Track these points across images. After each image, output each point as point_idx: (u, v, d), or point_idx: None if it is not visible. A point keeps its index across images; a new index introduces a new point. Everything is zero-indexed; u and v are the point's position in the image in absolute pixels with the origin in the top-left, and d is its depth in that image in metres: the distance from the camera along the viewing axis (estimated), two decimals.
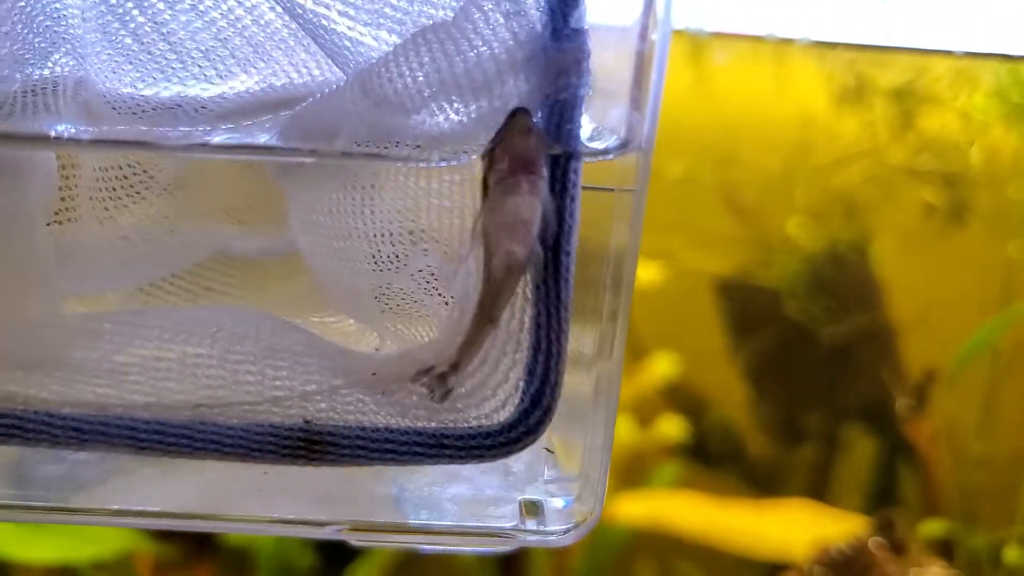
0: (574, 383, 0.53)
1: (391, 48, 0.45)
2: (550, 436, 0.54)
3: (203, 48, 0.51)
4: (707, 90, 1.40)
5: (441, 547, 0.49)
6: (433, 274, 0.48)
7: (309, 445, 0.44)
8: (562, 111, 0.44)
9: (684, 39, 1.38)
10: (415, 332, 0.49)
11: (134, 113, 0.50)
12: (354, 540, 0.49)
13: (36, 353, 0.46)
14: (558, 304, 0.44)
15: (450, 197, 0.47)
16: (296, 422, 0.45)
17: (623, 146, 0.45)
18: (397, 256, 0.49)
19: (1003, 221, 1.45)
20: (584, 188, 0.47)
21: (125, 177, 0.51)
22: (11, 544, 1.26)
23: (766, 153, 1.47)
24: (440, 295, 0.48)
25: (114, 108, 0.51)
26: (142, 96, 0.51)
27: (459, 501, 0.50)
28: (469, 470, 0.51)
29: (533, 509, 0.50)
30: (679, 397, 1.51)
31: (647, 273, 1.42)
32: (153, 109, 0.50)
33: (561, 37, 0.43)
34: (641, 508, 1.39)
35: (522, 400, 0.45)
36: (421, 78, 0.44)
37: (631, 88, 0.44)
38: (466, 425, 0.45)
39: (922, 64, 1.45)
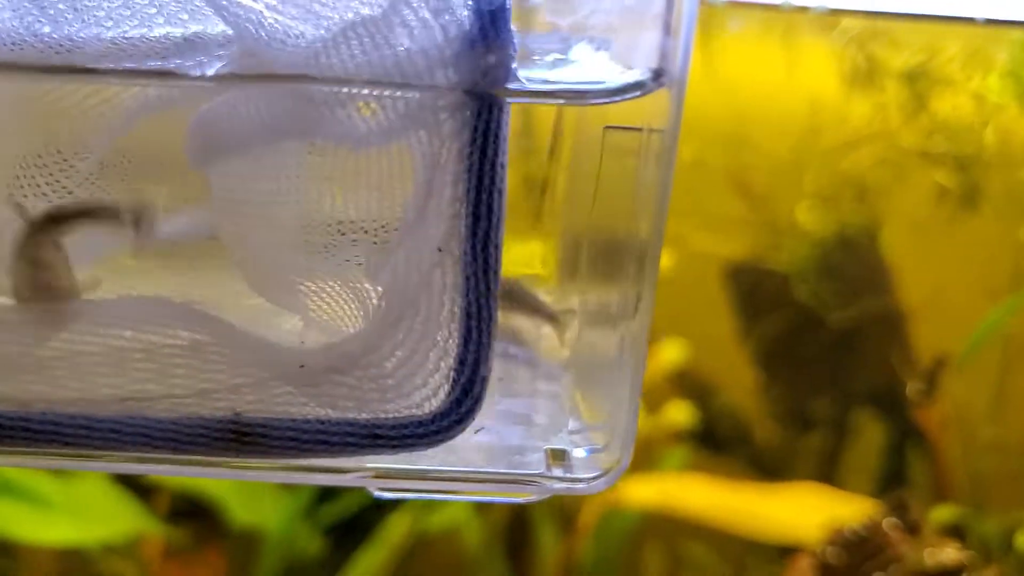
0: (599, 338, 0.54)
1: (318, 41, 0.45)
2: (573, 392, 0.57)
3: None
4: (717, 72, 1.39)
5: (468, 496, 0.50)
6: (360, 264, 0.48)
7: (240, 437, 0.45)
8: (490, 102, 0.44)
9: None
10: (341, 321, 0.49)
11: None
12: (377, 488, 0.50)
13: None
14: (487, 294, 0.45)
15: (379, 187, 0.48)
16: (226, 415, 0.45)
17: (657, 77, 0.45)
18: (324, 246, 0.49)
19: (1016, 205, 1.43)
20: (612, 128, 0.49)
21: (45, 165, 0.51)
22: (21, 525, 1.28)
23: (776, 137, 1.46)
24: (367, 285, 0.48)
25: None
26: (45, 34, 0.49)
27: (483, 449, 0.51)
28: (491, 420, 0.52)
29: (560, 457, 0.51)
30: (687, 383, 1.50)
31: None
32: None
33: (487, 34, 0.43)
34: (650, 491, 1.39)
35: (453, 389, 0.45)
36: (352, 70, 0.44)
37: (664, 12, 0.45)
38: (397, 415, 0.45)
39: (935, 45, 1.43)
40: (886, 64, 1.44)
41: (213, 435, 0.45)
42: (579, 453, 0.52)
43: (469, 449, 0.50)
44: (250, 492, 1.38)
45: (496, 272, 0.45)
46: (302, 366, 0.46)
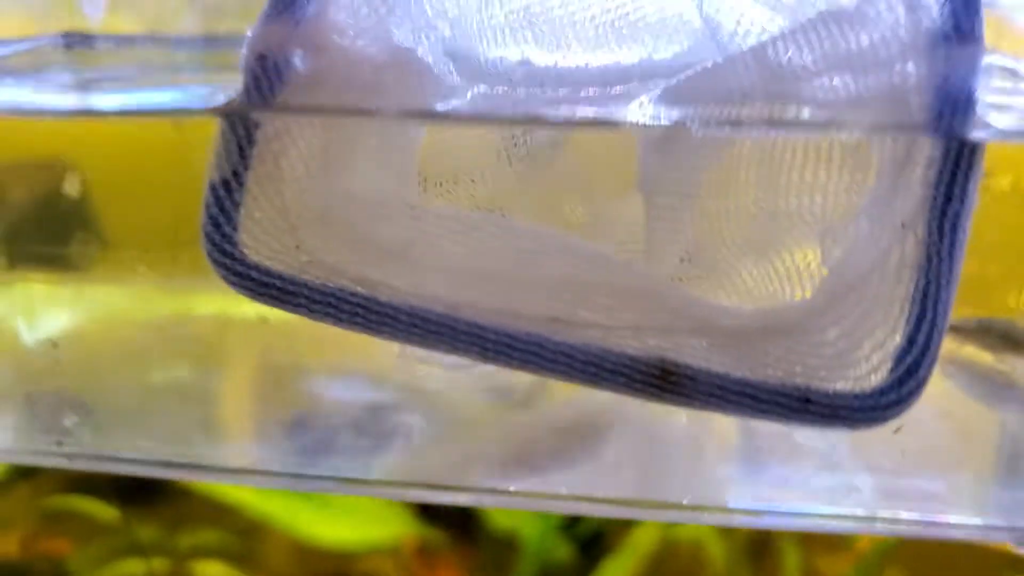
0: None
1: (786, 28, 0.46)
2: None
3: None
4: None
5: None
6: (811, 237, 0.48)
7: (665, 376, 0.44)
8: (955, 98, 0.43)
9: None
10: (781, 295, 0.49)
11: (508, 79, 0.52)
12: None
13: (396, 240, 0.47)
14: (949, 276, 0.43)
15: (842, 162, 0.47)
16: (652, 353, 0.44)
17: None
18: (775, 221, 0.49)
19: None
20: None
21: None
22: (303, 523, 1.31)
23: None
24: (817, 258, 0.47)
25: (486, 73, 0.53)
26: (510, 61, 0.53)
27: None
28: None
29: None
30: None
31: None
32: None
33: (961, 34, 0.42)
34: None
35: (896, 367, 0.43)
36: (818, 51, 0.44)
37: None
38: (832, 385, 0.44)
39: None
40: None
41: (638, 368, 0.44)
42: None
43: None
44: None
45: (961, 255, 0.43)
46: (736, 324, 0.45)
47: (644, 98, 0.49)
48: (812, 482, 0.53)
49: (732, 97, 0.46)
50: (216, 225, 0.46)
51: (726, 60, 0.47)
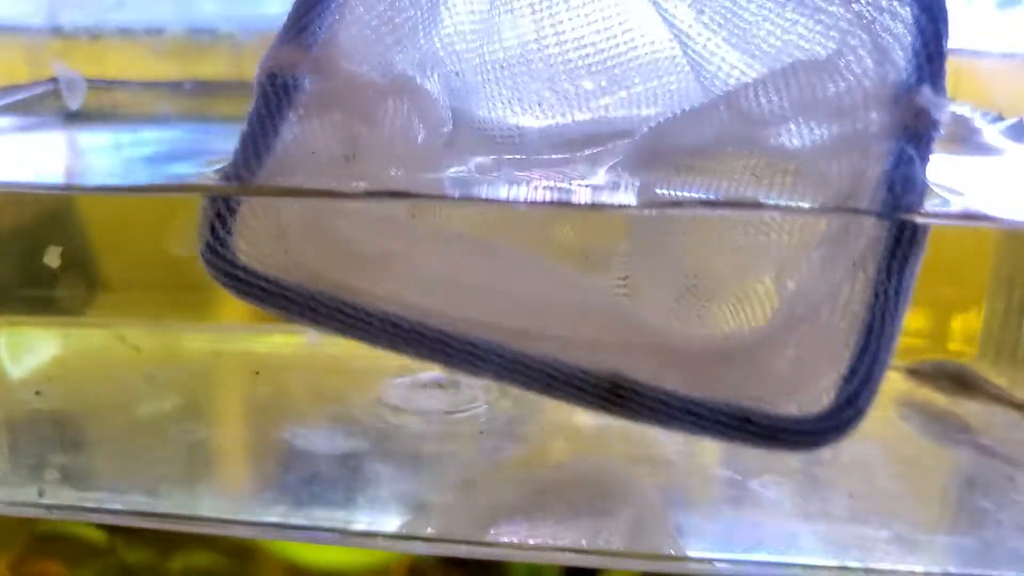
0: None
1: (761, 75, 0.49)
2: None
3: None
4: None
5: None
6: (771, 269, 0.50)
7: (615, 389, 0.46)
8: (916, 145, 0.45)
9: None
10: (739, 320, 0.51)
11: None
12: None
13: (378, 250, 0.49)
14: (894, 313, 0.45)
15: (803, 196, 0.49)
16: (607, 367, 0.46)
17: None
18: (735, 251, 0.51)
19: None
20: None
21: None
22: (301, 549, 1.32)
23: None
24: (772, 289, 0.49)
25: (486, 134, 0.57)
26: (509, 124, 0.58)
27: None
28: None
29: None
30: None
31: None
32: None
33: (924, 88, 0.45)
34: None
35: (838, 396, 0.45)
36: (786, 99, 0.47)
37: None
38: (774, 409, 0.45)
39: None
40: None
41: (589, 382, 0.46)
42: None
43: None
44: None
45: (907, 295, 0.45)
46: (691, 346, 0.47)
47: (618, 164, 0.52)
48: (768, 530, 0.55)
49: (703, 142, 0.49)
50: (211, 227, 0.49)
51: (702, 106, 0.50)
